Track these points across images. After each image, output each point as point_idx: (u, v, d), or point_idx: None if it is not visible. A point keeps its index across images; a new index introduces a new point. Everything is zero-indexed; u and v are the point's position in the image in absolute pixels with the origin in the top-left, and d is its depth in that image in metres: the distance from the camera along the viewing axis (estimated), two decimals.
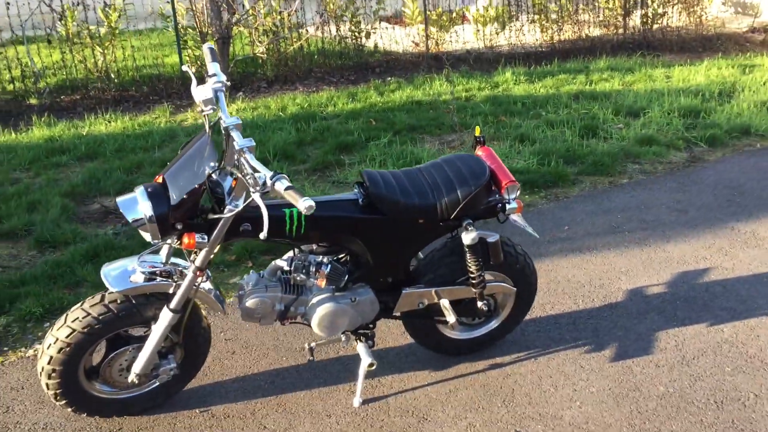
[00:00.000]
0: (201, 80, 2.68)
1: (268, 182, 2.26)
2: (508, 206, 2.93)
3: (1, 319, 3.69)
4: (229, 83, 2.69)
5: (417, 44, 10.58)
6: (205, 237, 2.54)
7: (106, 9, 8.35)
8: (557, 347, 3.41)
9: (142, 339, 2.81)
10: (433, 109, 7.70)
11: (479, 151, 3.08)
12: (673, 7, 12.00)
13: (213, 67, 2.66)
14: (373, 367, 2.89)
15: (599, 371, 3.21)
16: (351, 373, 3.23)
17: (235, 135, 2.46)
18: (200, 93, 2.56)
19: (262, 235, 2.22)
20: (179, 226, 2.51)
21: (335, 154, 6.29)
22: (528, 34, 11.16)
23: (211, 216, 2.54)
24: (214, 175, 2.59)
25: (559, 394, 3.06)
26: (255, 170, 2.29)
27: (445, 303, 3.03)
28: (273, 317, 2.89)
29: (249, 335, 3.56)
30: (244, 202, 2.52)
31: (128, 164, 5.97)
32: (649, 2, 11.62)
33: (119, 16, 8.40)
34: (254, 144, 2.42)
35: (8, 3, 7.79)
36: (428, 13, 10.40)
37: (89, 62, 8.46)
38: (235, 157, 2.45)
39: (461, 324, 3.26)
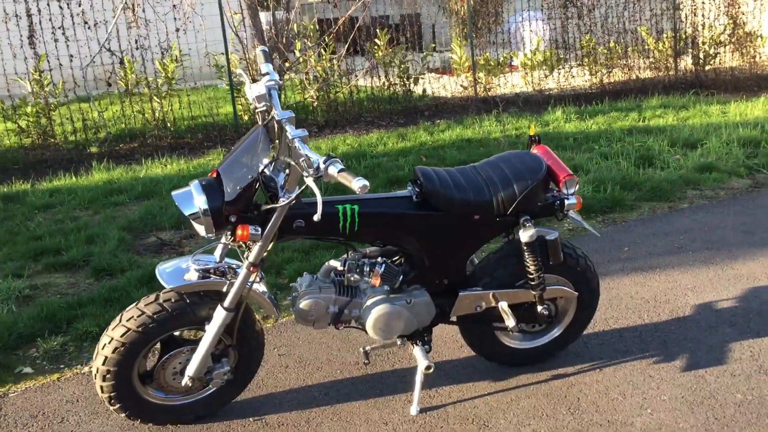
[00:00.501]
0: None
1: (322, 166, 2.25)
2: (567, 202, 2.84)
3: (58, 338, 3.71)
4: (282, 83, 2.70)
5: (465, 88, 10.64)
6: (259, 229, 2.51)
7: (164, 61, 8.65)
8: (623, 359, 3.24)
9: (196, 342, 2.77)
10: (483, 146, 7.66)
11: (535, 150, 3.02)
12: (725, 48, 11.85)
13: (266, 67, 2.69)
14: (431, 370, 2.79)
15: (670, 380, 3.04)
16: (407, 384, 3.12)
17: (288, 127, 2.46)
18: (254, 90, 2.59)
19: (316, 217, 2.19)
20: (233, 219, 2.50)
21: (386, 187, 6.28)
22: (577, 76, 11.13)
23: (265, 206, 2.52)
24: (267, 171, 2.58)
25: (628, 402, 2.90)
26: (306, 156, 2.28)
27: (503, 306, 2.92)
28: (327, 320, 2.83)
29: (302, 351, 3.49)
30: (303, 202, 2.51)
31: None
32: (700, 44, 11.51)
33: (176, 67, 8.69)
34: (307, 134, 2.42)
35: (71, 55, 8.13)
36: (475, 58, 10.49)
37: (147, 113, 8.73)
38: (289, 147, 2.44)
39: (521, 331, 3.14)
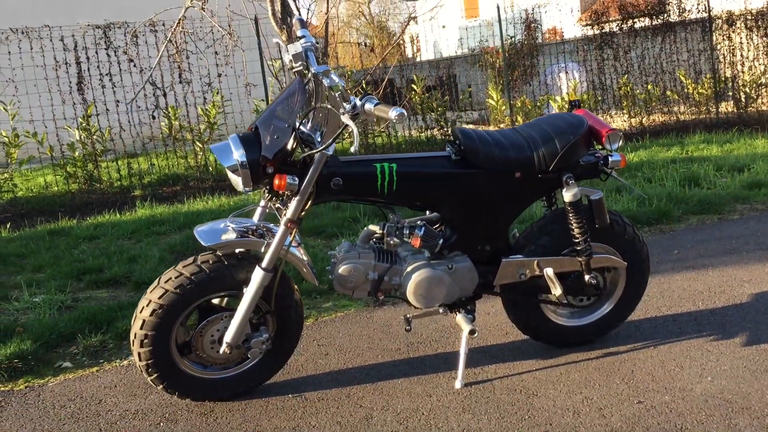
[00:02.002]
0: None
1: (358, 103, 2.24)
2: (610, 159, 2.76)
3: (98, 336, 3.68)
4: (319, 45, 2.72)
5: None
6: (296, 179, 2.49)
7: (205, 106, 8.88)
8: (679, 338, 3.08)
9: (234, 310, 2.72)
10: None
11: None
12: (766, 89, 11.71)
13: (302, 32, 2.72)
14: (475, 335, 2.67)
15: (730, 354, 2.87)
16: (451, 364, 3.00)
17: (325, 79, 2.47)
18: (291, 50, 2.62)
19: (353, 149, 2.16)
20: (270, 170, 2.48)
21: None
22: (616, 117, 11.09)
23: (303, 154, 2.50)
24: (304, 128, 2.58)
25: (686, 372, 2.74)
26: (343, 92, 2.28)
27: (549, 272, 2.81)
28: (366, 288, 2.75)
29: (342, 341, 3.40)
30: (342, 160, 2.50)
31: None
32: (740, 86, 11.40)
33: (217, 113, 8.90)
34: (344, 84, 2.42)
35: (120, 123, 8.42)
36: (512, 101, 10.54)
37: (190, 158, 8.91)
38: (326, 97, 2.44)
39: (569, 305, 3.00)
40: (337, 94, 2.29)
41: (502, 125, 10.79)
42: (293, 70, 2.65)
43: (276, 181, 2.46)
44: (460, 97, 10.55)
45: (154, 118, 8.44)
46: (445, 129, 10.25)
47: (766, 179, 6.26)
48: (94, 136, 8.51)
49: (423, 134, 10.22)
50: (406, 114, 2.13)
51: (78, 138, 8.47)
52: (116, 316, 3.90)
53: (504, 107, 10.68)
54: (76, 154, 8.38)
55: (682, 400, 2.51)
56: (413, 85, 10.08)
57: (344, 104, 2.26)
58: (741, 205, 5.71)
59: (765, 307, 3.37)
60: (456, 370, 2.90)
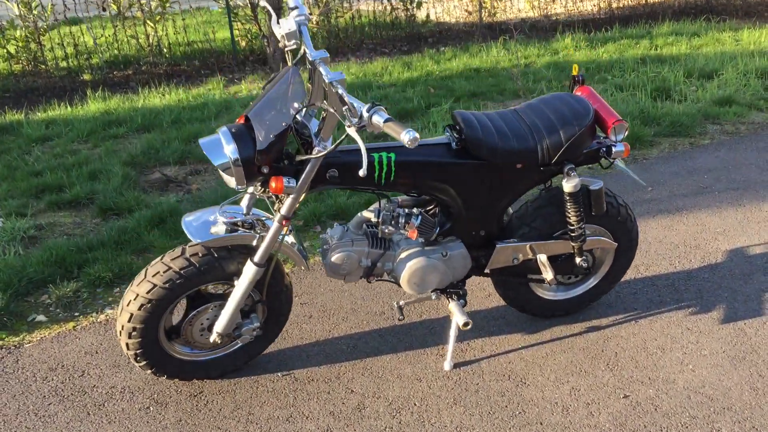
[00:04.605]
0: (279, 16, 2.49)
1: (365, 115, 2.06)
2: (614, 149, 2.67)
3: (70, 284, 3.57)
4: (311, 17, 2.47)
5: (470, 13, 10.27)
6: (293, 181, 2.34)
7: None
8: (658, 310, 3.15)
9: (224, 297, 2.65)
10: (492, 76, 7.41)
11: (578, 91, 2.83)
12: None
13: (294, 1, 2.47)
14: (468, 327, 2.67)
15: (709, 333, 2.95)
16: (437, 336, 3.03)
17: (323, 69, 2.27)
18: (283, 26, 2.39)
19: (362, 172, 2.02)
20: (265, 170, 2.32)
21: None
22: (585, 0, 10.76)
23: (300, 157, 2.35)
24: (298, 116, 2.40)
25: (668, 357, 2.82)
26: (349, 104, 2.09)
27: (542, 258, 2.79)
28: (359, 274, 2.70)
29: (325, 299, 3.38)
30: (334, 142, 2.33)
31: (185, 134, 5.84)
32: None
33: None
34: (345, 77, 2.22)
35: None
36: None
37: (141, 38, 8.37)
38: (324, 91, 2.26)
39: (556, 283, 3.03)
40: (344, 108, 2.09)
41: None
42: (286, 48, 2.43)
43: (273, 184, 2.30)
44: None
45: (104, 9, 7.81)
46: (410, 10, 9.81)
47: (735, 95, 6.25)
48: (35, 12, 7.87)
49: (388, 17, 9.77)
50: (419, 139, 1.97)
51: (18, 14, 7.83)
52: (86, 258, 3.78)
53: None
54: (18, 33, 7.77)
55: (666, 395, 2.60)
56: None
57: (350, 118, 2.08)
58: (711, 125, 5.72)
59: (739, 270, 3.45)
60: (443, 346, 2.93)
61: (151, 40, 8.37)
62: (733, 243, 3.73)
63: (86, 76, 8.00)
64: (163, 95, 7.24)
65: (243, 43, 8.83)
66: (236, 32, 8.76)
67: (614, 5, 10.66)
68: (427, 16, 10.06)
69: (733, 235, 3.81)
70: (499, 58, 8.20)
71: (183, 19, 9.12)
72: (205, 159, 5.38)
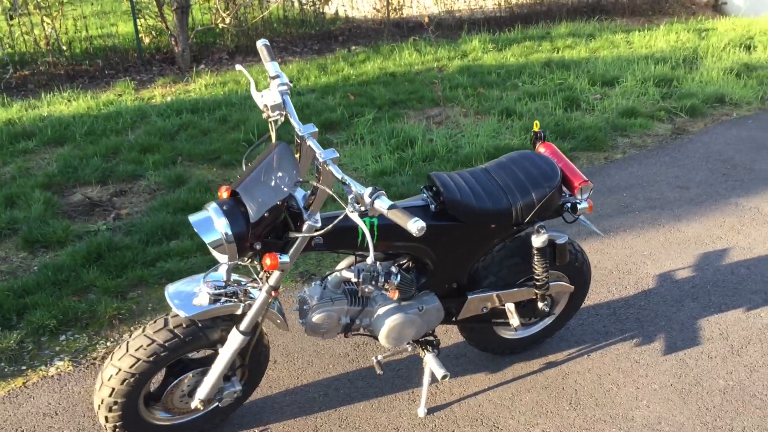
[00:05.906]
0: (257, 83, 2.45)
1: (367, 200, 2.09)
2: (579, 206, 2.83)
3: (12, 335, 3.39)
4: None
5: (378, 10, 10.30)
6: (286, 257, 2.34)
7: None
8: (605, 341, 3.37)
9: (204, 362, 2.62)
10: (409, 81, 7.52)
11: (541, 148, 2.97)
12: None
13: (273, 68, 2.45)
14: (447, 379, 2.77)
15: (655, 366, 3.19)
16: (404, 380, 3.12)
17: (314, 145, 2.27)
18: (267, 98, 2.36)
19: (369, 260, 2.06)
20: (258, 246, 2.31)
21: (321, 133, 6.06)
22: None
23: (293, 234, 2.35)
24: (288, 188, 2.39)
25: (623, 393, 3.03)
26: (346, 184, 2.11)
27: (510, 306, 2.94)
28: (337, 330, 2.73)
29: (286, 341, 3.38)
30: (321, 216, 2.35)
31: (103, 149, 5.60)
32: None
33: None
34: (338, 155, 2.24)
35: None
36: None
37: (37, 34, 7.88)
38: (317, 167, 2.26)
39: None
40: (350, 197, 2.11)
41: None
42: (270, 119, 2.41)
43: (268, 261, 2.29)
44: None
45: None
46: (317, 5, 9.73)
47: (637, 104, 6.66)
48: None
49: (297, 14, 9.65)
50: (426, 227, 2.02)
51: None
52: (26, 304, 3.59)
53: None
54: None
55: None
56: None
57: (352, 204, 2.09)
58: (621, 138, 6.07)
59: (671, 296, 3.73)
60: (412, 390, 3.03)
61: (48, 35, 7.90)
62: (660, 267, 4.01)
63: None
64: (69, 101, 6.88)
65: (147, 40, 8.49)
66: (139, 28, 8.41)
67: (513, 2, 10.99)
68: (336, 12, 10.01)
69: (659, 258, 4.10)
70: (411, 60, 8.31)
71: (83, 17, 8.62)
72: (129, 177, 5.20)
